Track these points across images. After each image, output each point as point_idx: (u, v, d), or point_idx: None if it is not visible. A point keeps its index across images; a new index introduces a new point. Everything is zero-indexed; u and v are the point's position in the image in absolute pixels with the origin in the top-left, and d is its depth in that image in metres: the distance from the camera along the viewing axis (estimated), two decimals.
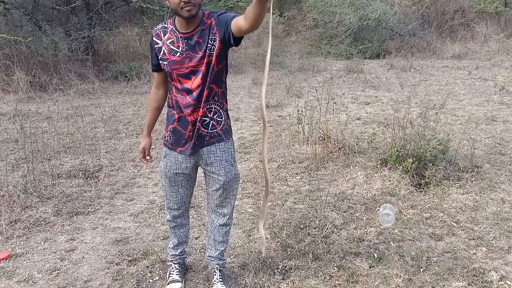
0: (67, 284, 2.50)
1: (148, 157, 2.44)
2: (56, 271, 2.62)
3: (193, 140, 2.17)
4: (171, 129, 2.23)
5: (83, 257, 2.77)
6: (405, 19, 11.96)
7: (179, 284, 2.44)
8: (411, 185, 3.75)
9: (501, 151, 4.56)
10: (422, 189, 3.71)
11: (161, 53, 2.14)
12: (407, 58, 10.01)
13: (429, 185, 3.73)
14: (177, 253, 2.54)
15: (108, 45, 10.13)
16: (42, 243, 2.93)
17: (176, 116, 2.18)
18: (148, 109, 2.40)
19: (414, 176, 3.83)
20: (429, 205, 3.43)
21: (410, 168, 3.81)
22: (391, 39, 11.77)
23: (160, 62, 2.16)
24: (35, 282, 2.52)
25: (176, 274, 2.48)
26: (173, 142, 2.24)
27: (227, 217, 2.39)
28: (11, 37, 7.15)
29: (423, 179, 3.78)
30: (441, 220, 3.19)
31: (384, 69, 9.62)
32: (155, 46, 2.16)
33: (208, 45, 2.04)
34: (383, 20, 11.34)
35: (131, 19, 10.75)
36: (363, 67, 9.18)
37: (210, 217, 2.44)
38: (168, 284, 2.44)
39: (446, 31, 13.05)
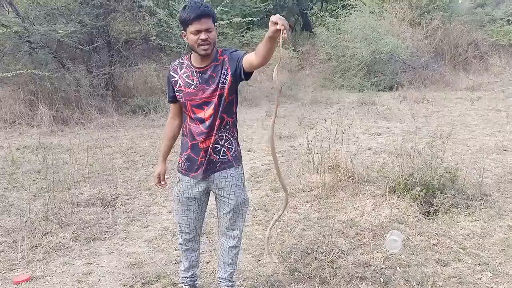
0: None
1: (163, 182, 2.60)
2: None
3: (204, 166, 2.33)
4: (185, 156, 2.39)
5: (99, 280, 2.90)
6: (418, 52, 12.17)
7: None
8: (419, 213, 3.80)
9: (511, 180, 4.59)
10: (430, 217, 3.76)
11: (177, 85, 2.33)
12: (420, 90, 10.15)
13: (437, 213, 3.78)
14: (188, 275, 2.64)
15: (127, 81, 10.54)
16: (61, 267, 3.08)
17: (189, 144, 2.36)
18: (164, 138, 2.57)
19: (423, 204, 3.89)
20: (436, 232, 3.47)
21: (418, 196, 3.88)
22: (404, 72, 11.95)
23: (176, 94, 2.35)
24: None
25: None
26: (186, 168, 2.40)
27: (237, 240, 2.51)
28: (40, 72, 7.56)
29: (432, 207, 3.83)
30: (448, 247, 3.23)
31: (397, 101, 9.73)
32: (172, 80, 2.36)
33: (221, 78, 2.23)
34: (395, 53, 11.55)
35: (149, 56, 11.19)
36: (376, 99, 9.33)
37: (220, 240, 2.56)
38: None
39: (460, 63, 13.20)
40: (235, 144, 2.39)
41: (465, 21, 14.26)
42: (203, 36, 2.13)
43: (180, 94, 2.32)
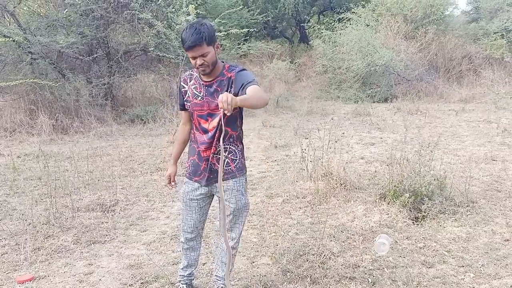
0: None
1: (173, 183, 2.78)
2: None
3: (207, 174, 2.50)
4: (191, 161, 2.57)
5: (100, 280, 3.03)
6: (412, 65, 12.40)
7: None
8: (408, 218, 3.95)
9: (497, 188, 4.75)
10: (418, 222, 3.91)
11: (186, 95, 2.51)
12: (414, 101, 10.35)
13: (425, 219, 3.93)
14: (185, 274, 2.78)
15: (126, 91, 10.73)
16: (63, 267, 3.20)
17: (196, 150, 2.53)
18: (176, 142, 2.74)
19: (411, 210, 4.04)
20: (423, 236, 3.62)
21: (407, 202, 4.03)
22: (399, 84, 12.18)
23: (185, 103, 2.53)
24: None
25: None
26: (191, 172, 2.58)
27: (234, 241, 2.65)
28: (41, 82, 7.75)
29: (420, 213, 3.98)
30: (434, 250, 3.37)
31: (391, 112, 9.93)
32: (182, 90, 2.53)
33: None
34: (390, 66, 11.78)
35: (148, 66, 11.40)
36: (370, 111, 9.52)
37: (220, 240, 2.71)
38: None
39: (453, 76, 13.44)
40: (239, 156, 2.53)
41: (459, 35, 14.54)
42: (199, 61, 2.28)
43: (188, 104, 2.49)
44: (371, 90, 12.02)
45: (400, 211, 4.02)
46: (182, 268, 2.78)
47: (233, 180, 2.50)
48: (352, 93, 12.00)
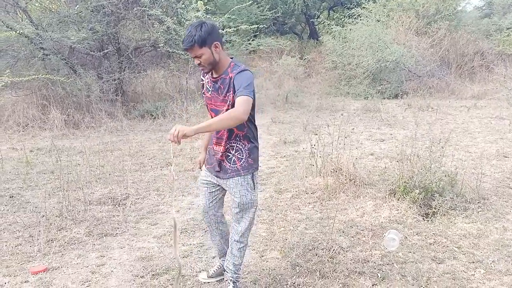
0: None
1: (202, 167, 2.86)
2: (88, 282, 2.93)
3: (217, 166, 2.58)
4: (209, 149, 2.70)
5: (112, 271, 3.07)
6: (423, 61, 12.30)
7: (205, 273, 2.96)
8: (418, 215, 3.94)
9: (509, 184, 4.71)
10: (429, 219, 3.89)
11: (203, 88, 2.62)
12: (425, 98, 10.27)
13: (435, 215, 3.92)
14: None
15: (136, 87, 10.79)
16: (76, 259, 3.25)
17: (212, 141, 2.64)
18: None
19: (422, 206, 4.03)
20: (433, 232, 3.61)
21: (417, 198, 4.02)
22: (410, 80, 12.08)
23: (203, 95, 2.64)
24: None
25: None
26: (207, 159, 2.70)
27: (240, 235, 2.67)
28: (53, 77, 7.84)
29: (430, 209, 3.97)
30: (444, 246, 3.37)
31: (402, 109, 9.86)
32: (201, 82, 2.65)
33: (227, 93, 2.44)
34: (401, 62, 11.70)
35: (158, 62, 11.44)
36: (380, 107, 9.47)
37: (230, 231, 2.75)
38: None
39: (465, 72, 13.31)
40: (246, 155, 2.55)
41: (471, 30, 14.39)
42: (196, 61, 2.42)
43: (204, 96, 2.62)
44: (381, 86, 11.94)
45: (410, 207, 4.01)
46: (214, 257, 2.97)
47: (238, 177, 2.55)
48: (362, 89, 11.93)
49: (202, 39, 2.33)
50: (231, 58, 2.51)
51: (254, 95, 2.37)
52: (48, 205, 4.20)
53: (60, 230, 3.70)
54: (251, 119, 2.53)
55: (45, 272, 3.06)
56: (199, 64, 2.42)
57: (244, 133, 2.52)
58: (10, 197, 4.56)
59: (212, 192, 2.71)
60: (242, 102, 2.27)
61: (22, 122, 8.05)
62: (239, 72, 2.40)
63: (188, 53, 2.46)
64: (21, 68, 8.91)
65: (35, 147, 6.70)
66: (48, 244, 3.46)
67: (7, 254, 3.32)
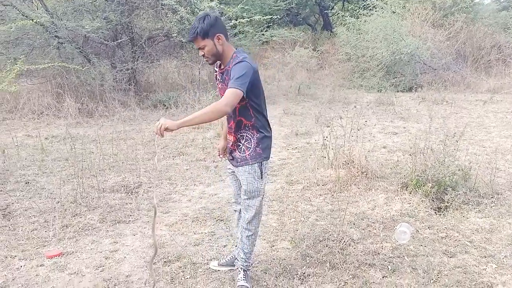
0: (111, 277, 2.85)
1: (221, 156, 2.96)
2: (102, 267, 2.99)
3: (231, 156, 2.67)
4: (228, 136, 2.73)
5: (125, 257, 3.13)
6: (439, 53, 12.12)
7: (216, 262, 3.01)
8: (430, 208, 3.92)
9: None
10: (441, 212, 3.87)
11: (216, 79, 2.67)
12: (440, 91, 10.15)
13: (448, 209, 3.89)
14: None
15: (149, 76, 10.84)
16: (90, 244, 3.32)
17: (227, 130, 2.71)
18: (225, 118, 2.79)
19: (434, 200, 4.00)
20: (445, 226, 3.59)
21: (430, 192, 4.00)
22: (424, 73, 11.92)
23: (217, 85, 2.69)
24: (84, 275, 2.89)
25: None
26: (227, 146, 2.75)
27: (247, 222, 2.69)
28: (68, 66, 7.93)
29: (443, 203, 3.94)
30: (456, 240, 3.35)
31: (416, 102, 9.76)
32: (215, 74, 2.69)
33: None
34: (416, 54, 11.55)
35: (171, 52, 11.46)
36: (394, 100, 9.38)
37: (240, 218, 2.80)
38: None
39: (482, 66, 13.09)
40: (255, 145, 2.57)
41: (489, 23, 14.12)
42: (200, 53, 2.49)
43: (217, 86, 2.67)
44: (395, 79, 11.81)
45: (422, 200, 3.99)
46: None
47: (246, 165, 2.59)
48: (376, 82, 11.81)
49: (205, 31, 2.40)
50: (236, 49, 2.53)
51: (251, 86, 2.38)
52: (63, 192, 4.27)
53: (74, 216, 3.77)
54: (257, 109, 2.54)
55: (60, 257, 3.12)
56: (203, 56, 2.48)
57: (252, 123, 2.55)
58: (26, 183, 4.64)
59: (237, 180, 2.77)
60: (227, 95, 2.31)
61: (37, 109, 8.16)
62: (236, 63, 2.43)
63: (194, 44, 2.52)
64: (36, 56, 9.00)
65: (50, 135, 6.79)
66: (63, 230, 3.53)
67: (23, 239, 3.39)
